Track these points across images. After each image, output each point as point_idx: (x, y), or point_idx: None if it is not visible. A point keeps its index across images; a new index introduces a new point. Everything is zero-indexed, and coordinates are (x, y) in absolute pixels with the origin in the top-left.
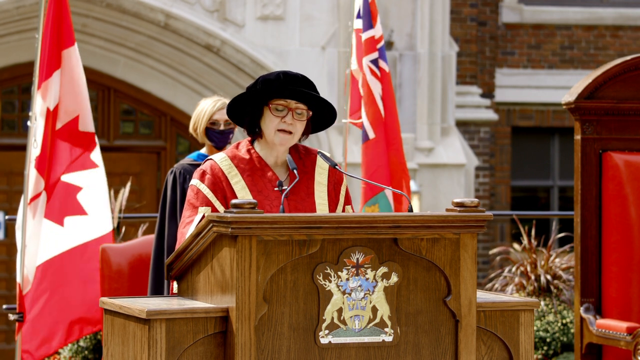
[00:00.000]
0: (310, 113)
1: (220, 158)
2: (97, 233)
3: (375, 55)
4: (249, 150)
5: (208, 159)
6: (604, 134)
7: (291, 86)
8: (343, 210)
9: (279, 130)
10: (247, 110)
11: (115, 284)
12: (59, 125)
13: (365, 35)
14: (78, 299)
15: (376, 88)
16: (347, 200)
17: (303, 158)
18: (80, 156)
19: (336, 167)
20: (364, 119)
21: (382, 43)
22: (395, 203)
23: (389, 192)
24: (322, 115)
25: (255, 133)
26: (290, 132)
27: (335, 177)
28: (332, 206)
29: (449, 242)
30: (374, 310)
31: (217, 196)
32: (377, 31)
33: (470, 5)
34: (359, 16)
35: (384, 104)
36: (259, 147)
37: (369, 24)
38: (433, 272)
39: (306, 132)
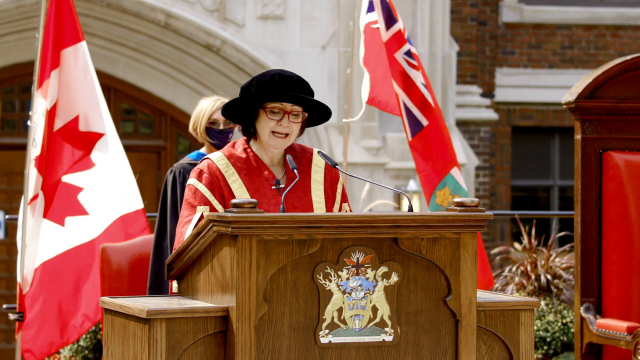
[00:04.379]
0: (306, 115)
1: (217, 157)
2: (98, 231)
3: (407, 47)
4: (245, 149)
5: (205, 158)
6: (604, 133)
7: (287, 89)
8: (340, 209)
9: (273, 133)
10: (242, 110)
11: (116, 283)
12: (58, 125)
13: (390, 32)
14: (79, 297)
15: (417, 78)
16: (344, 198)
17: (299, 156)
18: (83, 157)
19: (336, 166)
20: (414, 109)
21: (407, 33)
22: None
23: (455, 171)
24: (317, 112)
25: (250, 133)
26: (286, 135)
27: (332, 175)
28: (329, 204)
29: (449, 242)
30: (374, 309)
31: (215, 195)
32: (400, 24)
33: (470, 5)
34: (370, 10)
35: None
36: (255, 146)
37: (392, 19)
38: (433, 272)
39: (301, 130)
